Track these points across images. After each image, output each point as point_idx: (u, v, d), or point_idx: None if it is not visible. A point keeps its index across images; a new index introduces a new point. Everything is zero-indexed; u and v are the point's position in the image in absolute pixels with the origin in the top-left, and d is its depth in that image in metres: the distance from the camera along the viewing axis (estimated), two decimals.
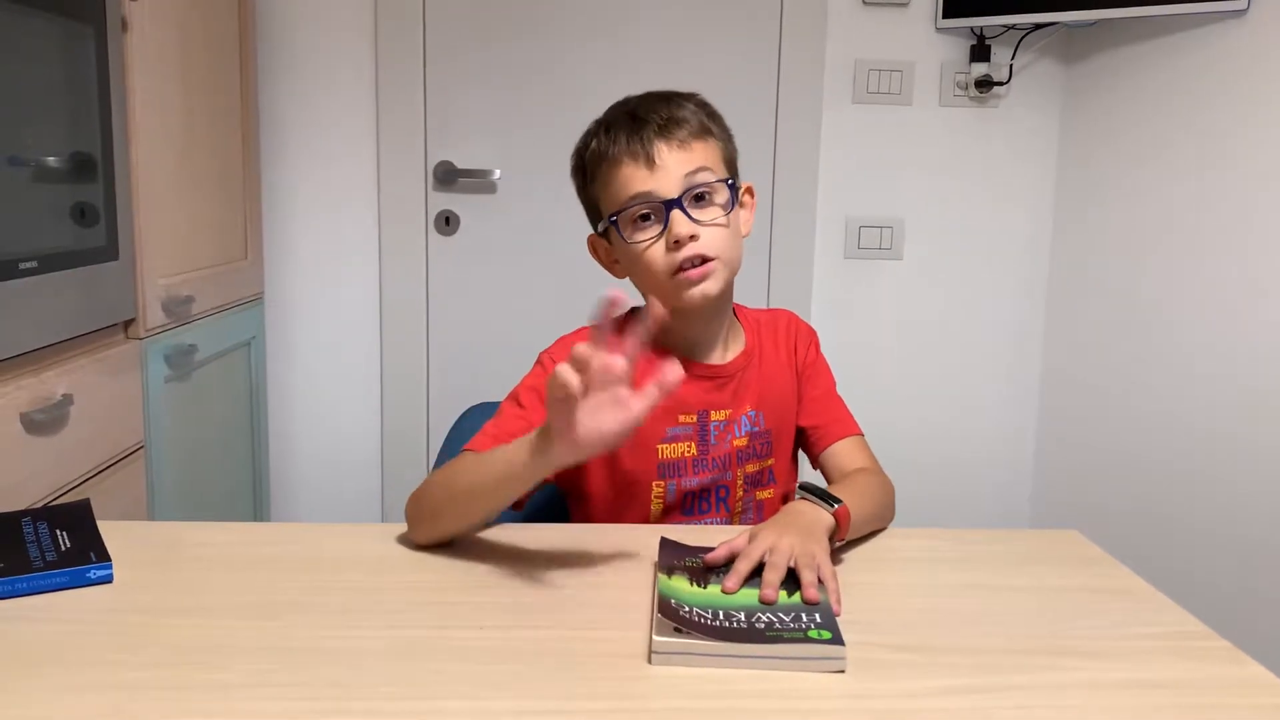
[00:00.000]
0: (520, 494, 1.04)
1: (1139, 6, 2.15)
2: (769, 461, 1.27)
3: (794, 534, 0.99)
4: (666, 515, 1.24)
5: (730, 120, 1.26)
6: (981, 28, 2.42)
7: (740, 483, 1.25)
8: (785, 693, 0.79)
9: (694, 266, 1.15)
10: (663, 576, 0.93)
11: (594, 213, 1.24)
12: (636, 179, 1.16)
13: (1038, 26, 2.40)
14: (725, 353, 1.26)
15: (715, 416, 1.24)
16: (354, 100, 2.45)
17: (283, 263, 2.48)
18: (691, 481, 1.23)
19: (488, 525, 1.10)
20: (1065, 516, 2.50)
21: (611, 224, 1.18)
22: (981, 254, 2.57)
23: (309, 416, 2.56)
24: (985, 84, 2.45)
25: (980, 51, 2.44)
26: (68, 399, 1.43)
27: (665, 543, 1.02)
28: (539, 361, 1.22)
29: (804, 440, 1.31)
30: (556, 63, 2.46)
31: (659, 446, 1.22)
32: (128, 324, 1.67)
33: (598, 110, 1.24)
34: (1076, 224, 2.49)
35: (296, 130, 2.45)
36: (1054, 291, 2.57)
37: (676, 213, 1.14)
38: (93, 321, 1.55)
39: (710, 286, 1.17)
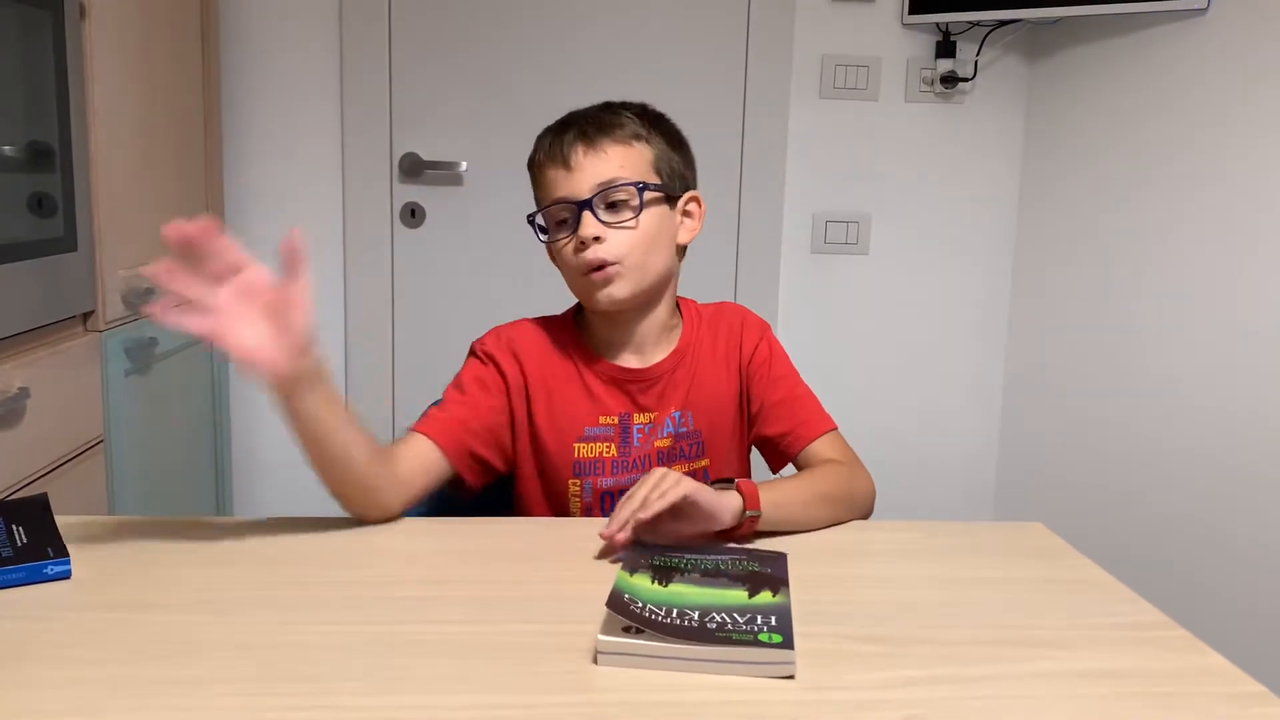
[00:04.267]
0: (304, 441, 1.14)
1: (1101, 4, 2.18)
2: (702, 463, 1.25)
3: (686, 481, 1.02)
4: (588, 514, 1.23)
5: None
6: (947, 24, 2.44)
7: None
8: (746, 684, 0.79)
9: (598, 270, 1.17)
10: (623, 574, 0.92)
11: None
12: (557, 182, 1.19)
13: (1002, 23, 2.42)
14: (652, 355, 1.25)
15: (638, 420, 1.23)
16: (318, 91, 2.42)
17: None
18: (608, 482, 1.23)
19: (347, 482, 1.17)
20: (1029, 509, 2.53)
21: (538, 225, 1.22)
22: (947, 249, 2.59)
23: (272, 410, 2.52)
24: (950, 80, 2.47)
25: (946, 47, 2.46)
26: (24, 392, 1.40)
27: (635, 542, 1.02)
28: (472, 352, 1.26)
29: (774, 449, 1.26)
30: (523, 54, 2.45)
31: (575, 445, 1.22)
32: (87, 316, 1.65)
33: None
34: (1041, 219, 2.51)
35: (259, 120, 2.42)
36: (1018, 286, 2.59)
37: (585, 214, 1.17)
38: (51, 313, 1.52)
39: (616, 290, 1.18)
